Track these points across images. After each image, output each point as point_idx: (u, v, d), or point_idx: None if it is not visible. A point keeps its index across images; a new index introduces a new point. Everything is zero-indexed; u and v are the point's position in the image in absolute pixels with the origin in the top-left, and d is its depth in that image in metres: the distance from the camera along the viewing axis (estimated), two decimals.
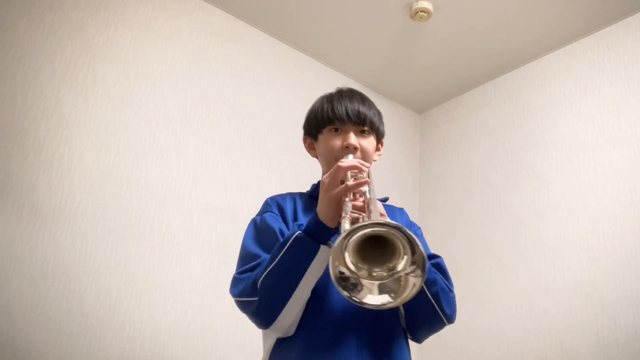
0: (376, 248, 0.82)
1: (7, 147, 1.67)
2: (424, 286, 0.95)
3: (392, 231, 0.78)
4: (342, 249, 0.79)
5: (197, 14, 2.32)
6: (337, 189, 0.92)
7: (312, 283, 0.95)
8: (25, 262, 1.61)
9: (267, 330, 1.01)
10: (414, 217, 2.94)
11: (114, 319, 1.73)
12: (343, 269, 0.81)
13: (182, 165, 2.07)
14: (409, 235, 0.76)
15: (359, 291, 0.81)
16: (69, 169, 1.78)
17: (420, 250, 0.77)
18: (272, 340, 1.02)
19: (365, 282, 0.82)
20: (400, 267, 0.81)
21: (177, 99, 2.14)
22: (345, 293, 0.79)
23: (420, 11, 2.30)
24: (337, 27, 2.51)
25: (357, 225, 0.78)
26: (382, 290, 0.82)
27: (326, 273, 0.97)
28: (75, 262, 1.71)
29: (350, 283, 0.81)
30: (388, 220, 0.79)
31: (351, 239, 0.79)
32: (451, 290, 1.05)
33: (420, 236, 1.21)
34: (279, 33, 2.56)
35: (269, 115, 2.40)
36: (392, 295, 0.81)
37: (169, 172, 2.03)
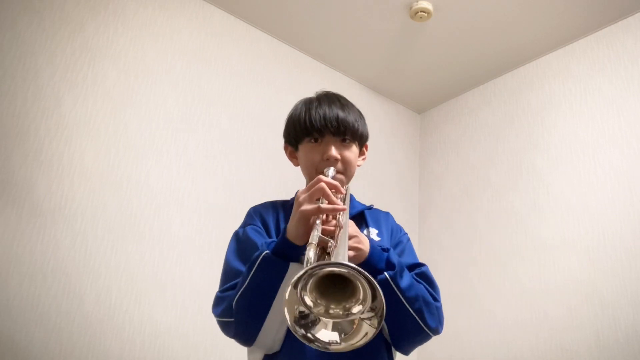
0: (337, 283, 0.79)
1: (7, 147, 1.67)
2: (406, 304, 0.93)
3: (353, 273, 0.74)
4: (300, 288, 0.76)
5: (197, 14, 2.32)
6: (310, 208, 0.89)
7: None
8: (25, 262, 1.61)
9: (252, 348, 1.00)
10: (414, 217, 2.95)
11: (114, 319, 1.73)
12: (302, 308, 0.78)
13: (182, 165, 2.07)
14: (371, 282, 0.73)
15: (315, 326, 0.79)
16: (69, 169, 1.78)
17: (381, 299, 0.74)
18: (260, 354, 1.00)
19: (322, 318, 0.79)
20: (355, 310, 0.78)
21: (177, 99, 2.14)
22: (300, 332, 0.77)
23: (420, 11, 2.30)
24: (337, 27, 2.51)
25: (317, 264, 0.75)
26: (334, 327, 0.79)
27: None
28: (75, 262, 1.71)
29: (309, 321, 0.79)
30: (349, 264, 0.74)
31: (311, 278, 0.76)
32: (437, 300, 1.02)
33: (407, 242, 1.17)
34: (279, 33, 2.56)
35: (269, 115, 2.40)
36: (343, 335, 0.78)
37: (169, 172, 2.03)
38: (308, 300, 0.78)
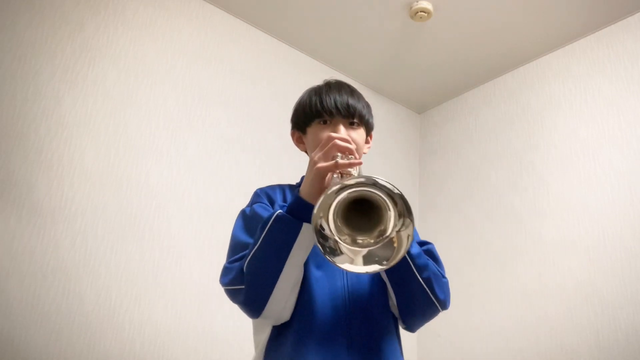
0: (361, 217, 0.79)
1: (7, 147, 1.67)
2: (416, 272, 0.94)
3: (379, 193, 0.76)
4: (330, 203, 0.75)
5: (197, 14, 2.32)
6: (327, 164, 0.88)
7: (300, 264, 0.92)
8: (25, 262, 1.61)
9: (260, 320, 0.99)
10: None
11: (114, 319, 1.73)
12: (324, 224, 0.77)
13: (182, 165, 2.07)
14: (382, 185, 0.74)
15: (338, 256, 0.78)
16: (69, 169, 1.78)
17: (401, 199, 0.75)
18: (266, 334, 1.00)
19: (345, 248, 0.79)
20: (390, 227, 0.78)
21: (177, 99, 2.14)
22: (321, 249, 0.77)
23: (420, 11, 2.30)
24: (337, 27, 2.51)
25: (349, 182, 0.75)
26: (368, 260, 0.79)
27: (315, 260, 0.96)
28: (75, 262, 1.71)
29: (328, 245, 0.78)
30: (373, 177, 0.76)
31: (340, 196, 0.76)
32: (444, 276, 1.03)
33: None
34: (279, 33, 2.56)
35: (269, 115, 2.40)
36: (385, 262, 0.78)
37: (169, 172, 2.02)
38: (333, 226, 0.78)
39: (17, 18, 1.79)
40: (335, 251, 0.78)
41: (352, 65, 2.78)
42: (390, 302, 1.03)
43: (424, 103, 3.13)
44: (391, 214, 0.78)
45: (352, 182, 0.76)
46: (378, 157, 2.88)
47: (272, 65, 2.53)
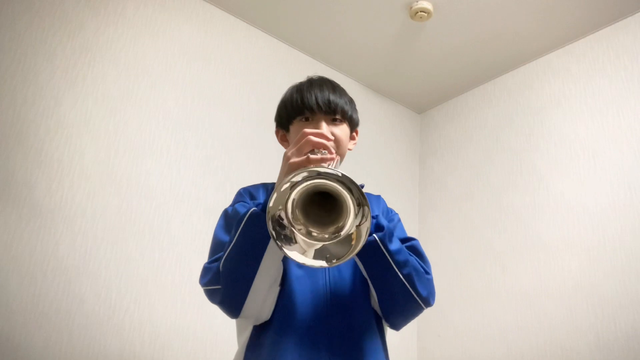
0: (321, 210, 0.79)
1: (7, 147, 1.67)
2: (396, 268, 0.92)
3: (339, 186, 0.75)
4: (288, 192, 0.75)
5: (197, 14, 2.32)
6: (299, 159, 0.86)
7: (276, 261, 0.91)
8: (25, 262, 1.61)
9: (242, 321, 0.98)
10: (414, 217, 2.95)
11: (114, 319, 1.73)
12: (282, 215, 0.77)
13: (182, 165, 2.07)
14: (335, 174, 0.73)
15: (291, 245, 0.77)
16: (69, 169, 1.78)
17: (356, 187, 0.74)
18: (247, 334, 0.98)
19: (300, 239, 0.78)
20: (348, 224, 0.77)
21: (177, 98, 2.14)
22: (277, 241, 0.77)
23: (420, 11, 2.30)
24: (337, 27, 2.50)
25: (295, 177, 0.74)
26: (318, 255, 0.78)
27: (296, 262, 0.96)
28: (75, 262, 1.71)
29: (284, 233, 0.77)
30: (344, 173, 0.75)
31: (297, 188, 0.75)
32: (427, 272, 1.00)
33: (398, 221, 1.17)
34: (279, 33, 2.56)
35: (268, 115, 2.39)
36: (334, 261, 0.78)
37: (169, 172, 2.02)
38: (290, 215, 0.77)
39: (17, 18, 1.79)
40: (291, 240, 0.78)
41: (352, 65, 2.78)
42: (372, 300, 1.02)
43: (424, 103, 3.13)
44: (350, 206, 0.77)
45: (299, 177, 0.76)
46: (378, 157, 2.89)
47: (272, 65, 2.53)
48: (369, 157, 2.82)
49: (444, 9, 2.33)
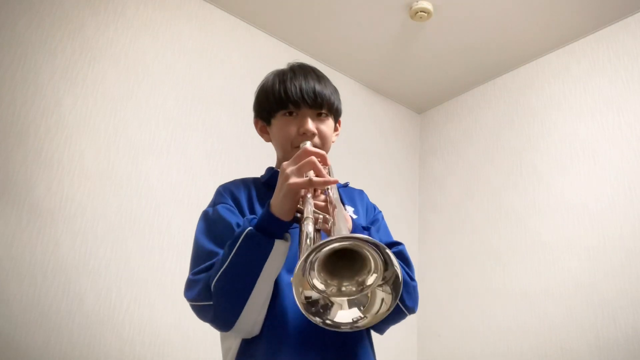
0: (341, 260, 0.75)
1: (7, 147, 1.67)
2: None
3: (361, 244, 0.71)
4: (306, 270, 0.70)
5: (197, 14, 2.32)
6: (300, 181, 0.82)
7: (271, 281, 0.87)
8: (25, 262, 1.61)
9: (229, 333, 0.93)
10: (414, 217, 2.95)
11: (114, 319, 1.73)
12: (309, 293, 0.72)
13: (182, 165, 2.07)
14: (383, 249, 0.70)
15: (330, 309, 0.74)
16: (69, 169, 1.78)
17: (393, 265, 0.71)
18: (235, 344, 0.94)
19: (334, 298, 0.74)
20: (369, 281, 0.74)
21: (177, 99, 2.14)
22: (317, 320, 0.72)
23: (420, 11, 2.30)
24: (337, 27, 2.51)
25: (325, 240, 0.69)
26: (351, 304, 0.75)
27: (286, 264, 0.90)
28: (75, 262, 1.71)
29: (320, 306, 0.74)
30: (360, 235, 0.71)
31: (318, 255, 0.71)
32: (413, 279, 0.98)
33: (382, 220, 1.14)
34: (279, 33, 2.56)
35: None
36: (362, 308, 0.74)
37: (169, 172, 2.02)
38: (318, 283, 0.73)
39: (17, 18, 1.79)
40: (327, 306, 0.74)
41: (352, 65, 2.78)
42: None
43: (424, 103, 3.13)
44: (375, 269, 0.74)
45: (333, 238, 0.71)
46: (378, 157, 2.88)
47: (272, 65, 2.49)
48: (369, 157, 2.82)
49: (444, 9, 2.33)
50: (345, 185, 1.17)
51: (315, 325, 0.89)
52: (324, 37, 2.58)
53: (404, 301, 0.94)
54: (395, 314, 0.96)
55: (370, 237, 0.70)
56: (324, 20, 2.47)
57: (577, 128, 2.33)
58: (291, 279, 0.70)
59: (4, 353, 1.50)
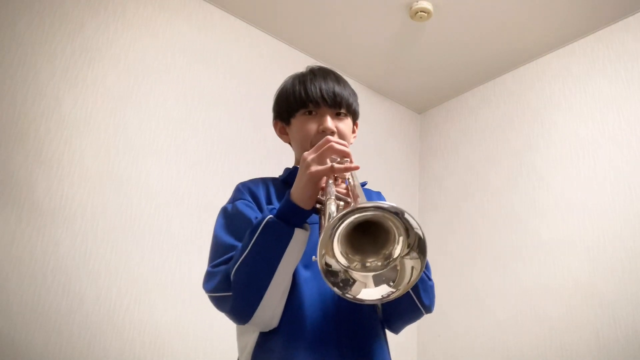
0: (364, 236, 0.74)
1: (7, 147, 1.67)
2: None
3: (387, 215, 0.70)
4: (331, 236, 0.70)
5: (197, 14, 2.32)
6: (322, 168, 0.83)
7: (290, 271, 0.88)
8: (25, 262, 1.61)
9: (247, 326, 0.93)
10: None
11: (114, 319, 1.73)
12: (330, 261, 0.71)
13: (182, 165, 2.07)
14: (405, 218, 0.69)
15: (351, 286, 0.73)
16: (69, 169, 1.78)
17: (415, 229, 0.70)
18: (253, 339, 0.94)
19: (357, 275, 0.74)
20: (396, 252, 0.73)
21: (177, 99, 2.14)
22: (336, 290, 0.72)
23: (420, 11, 2.30)
24: (337, 27, 2.51)
25: (351, 208, 0.69)
26: (378, 281, 0.74)
27: (303, 259, 0.91)
28: (75, 262, 1.71)
29: (340, 279, 0.73)
30: (385, 203, 0.71)
31: (342, 225, 0.70)
32: (430, 279, 0.98)
33: None
34: (279, 33, 2.56)
35: (268, 115, 2.39)
36: (392, 283, 0.73)
37: (169, 172, 2.03)
38: (341, 257, 0.72)
39: (17, 18, 1.79)
40: (348, 281, 0.73)
41: (352, 65, 2.78)
42: (376, 305, 1.00)
43: (424, 103, 3.13)
44: (399, 238, 0.73)
45: (361, 206, 0.70)
46: (378, 157, 2.88)
47: (272, 65, 2.53)
48: (369, 157, 2.82)
49: (444, 9, 2.33)
50: (363, 185, 1.18)
51: (332, 321, 0.91)
52: (324, 37, 2.58)
53: (422, 299, 0.94)
54: (413, 315, 0.97)
55: (391, 203, 0.70)
56: (324, 20, 2.47)
57: (577, 128, 2.33)
58: (320, 239, 0.70)
59: (4, 353, 1.50)
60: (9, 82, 1.73)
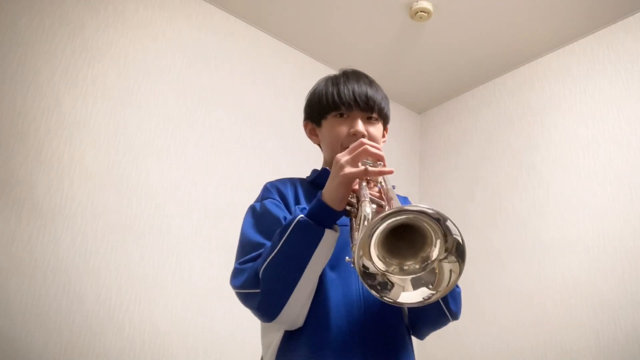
0: (400, 240, 0.74)
1: (7, 147, 1.67)
2: None
3: (423, 218, 0.71)
4: (370, 237, 0.70)
5: (197, 14, 2.32)
6: (355, 170, 0.83)
7: (318, 271, 0.89)
8: (25, 261, 1.61)
9: (272, 324, 0.93)
10: None
11: (114, 319, 1.73)
12: (368, 263, 0.71)
13: (182, 165, 2.07)
14: (444, 221, 0.70)
15: (390, 290, 0.73)
16: (69, 169, 1.78)
17: (453, 233, 0.71)
18: (278, 337, 0.95)
19: (395, 278, 0.73)
20: (434, 255, 0.73)
21: (177, 98, 2.14)
22: (374, 293, 0.72)
23: (420, 11, 2.30)
24: (337, 27, 2.51)
25: (396, 209, 0.69)
26: (416, 284, 0.74)
27: (329, 263, 0.91)
28: (75, 262, 1.71)
29: (377, 282, 0.72)
30: (429, 207, 0.70)
31: (380, 228, 0.70)
32: (457, 286, 0.98)
33: None
34: (278, 33, 2.56)
35: (269, 115, 2.40)
36: (431, 286, 0.73)
37: (169, 172, 2.03)
38: (378, 262, 0.72)
39: (17, 18, 1.79)
40: (386, 284, 0.73)
41: (352, 65, 2.75)
42: (403, 311, 1.00)
43: (424, 103, 3.13)
44: (436, 241, 0.74)
45: (398, 209, 0.70)
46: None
47: (272, 65, 2.53)
48: None
49: (444, 9, 2.33)
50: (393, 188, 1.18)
51: (357, 324, 0.91)
52: (324, 37, 2.58)
53: (449, 306, 0.94)
54: (440, 321, 0.98)
55: (435, 209, 0.70)
56: (324, 20, 2.47)
57: (577, 128, 2.33)
58: (359, 240, 0.70)
59: (4, 353, 1.50)
60: (9, 82, 1.73)
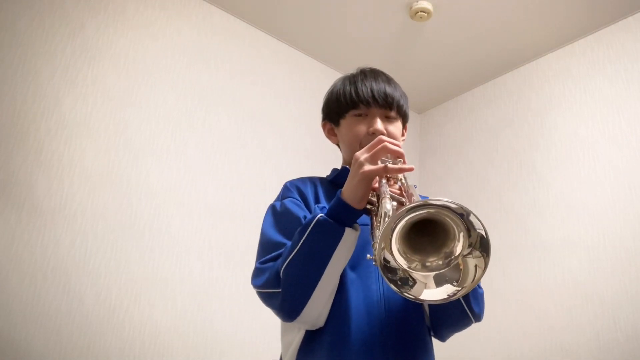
0: (421, 236, 0.73)
1: (7, 147, 1.67)
2: None
3: (446, 212, 0.69)
4: (393, 229, 0.69)
5: (197, 14, 2.32)
6: (375, 167, 0.83)
7: (339, 270, 0.88)
8: (25, 262, 1.61)
9: (293, 324, 0.92)
10: None
11: (114, 319, 1.73)
12: (389, 257, 0.70)
13: (182, 165, 2.07)
14: (467, 216, 0.68)
15: (412, 286, 0.71)
16: (69, 169, 1.78)
17: (478, 232, 0.69)
18: (299, 337, 0.94)
19: (417, 275, 0.72)
20: (457, 250, 0.72)
21: (177, 99, 2.14)
22: (394, 288, 0.70)
23: (420, 11, 2.30)
24: (337, 26, 2.51)
25: (419, 202, 0.68)
26: (440, 281, 0.72)
27: (350, 260, 0.90)
28: (75, 262, 1.71)
29: (398, 277, 0.71)
30: (453, 202, 0.69)
31: (402, 222, 0.69)
32: (480, 287, 0.96)
33: None
34: (278, 33, 2.56)
35: (269, 115, 2.40)
36: (455, 283, 0.71)
37: (169, 172, 2.03)
38: (400, 258, 0.71)
39: (17, 18, 1.79)
40: (407, 280, 0.72)
41: (352, 65, 2.75)
42: (424, 308, 0.99)
43: (424, 103, 3.13)
44: (459, 235, 0.72)
45: (420, 203, 0.68)
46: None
47: (272, 65, 2.53)
48: None
49: (444, 9, 2.33)
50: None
51: (377, 325, 0.90)
52: (323, 37, 2.58)
53: (472, 307, 0.93)
54: (462, 323, 0.96)
55: (459, 203, 0.69)
56: (324, 20, 2.47)
57: (577, 128, 2.33)
58: (381, 231, 0.69)
59: (4, 353, 1.50)
60: (9, 82, 1.73)
